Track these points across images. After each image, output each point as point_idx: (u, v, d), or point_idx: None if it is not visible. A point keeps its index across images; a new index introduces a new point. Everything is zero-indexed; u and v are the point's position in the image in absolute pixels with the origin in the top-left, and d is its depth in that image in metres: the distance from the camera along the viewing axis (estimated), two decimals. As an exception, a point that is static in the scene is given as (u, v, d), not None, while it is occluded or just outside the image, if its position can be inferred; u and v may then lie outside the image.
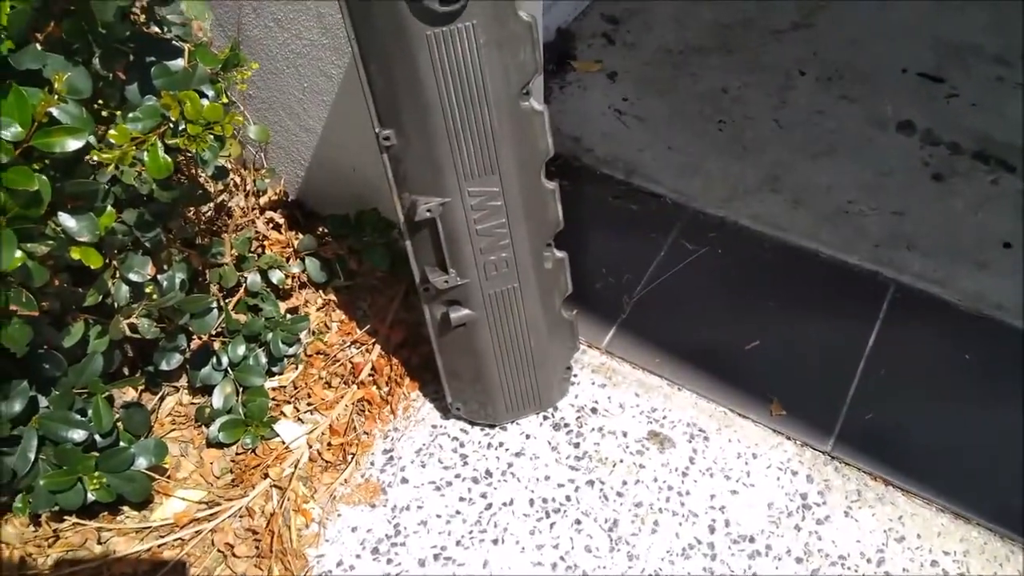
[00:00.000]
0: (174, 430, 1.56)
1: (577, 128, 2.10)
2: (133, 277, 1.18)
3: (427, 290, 1.37)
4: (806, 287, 1.74)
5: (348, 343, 1.68)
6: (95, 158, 0.95)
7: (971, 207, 1.85)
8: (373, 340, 1.67)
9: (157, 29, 1.11)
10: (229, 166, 1.84)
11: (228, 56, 1.09)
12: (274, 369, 1.60)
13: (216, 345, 1.54)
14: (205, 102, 1.02)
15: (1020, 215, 1.82)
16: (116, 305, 1.20)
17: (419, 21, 1.11)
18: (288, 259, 1.71)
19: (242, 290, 1.58)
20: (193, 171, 1.40)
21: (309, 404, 1.58)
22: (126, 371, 1.50)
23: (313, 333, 1.68)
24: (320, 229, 1.74)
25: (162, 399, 1.58)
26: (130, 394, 1.53)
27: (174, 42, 1.07)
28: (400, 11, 1.10)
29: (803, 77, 2.18)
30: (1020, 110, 2.04)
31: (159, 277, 1.28)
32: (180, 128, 0.97)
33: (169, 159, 0.98)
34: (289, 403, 1.58)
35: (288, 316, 1.63)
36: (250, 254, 1.60)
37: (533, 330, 1.45)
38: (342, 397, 1.59)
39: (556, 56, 2.27)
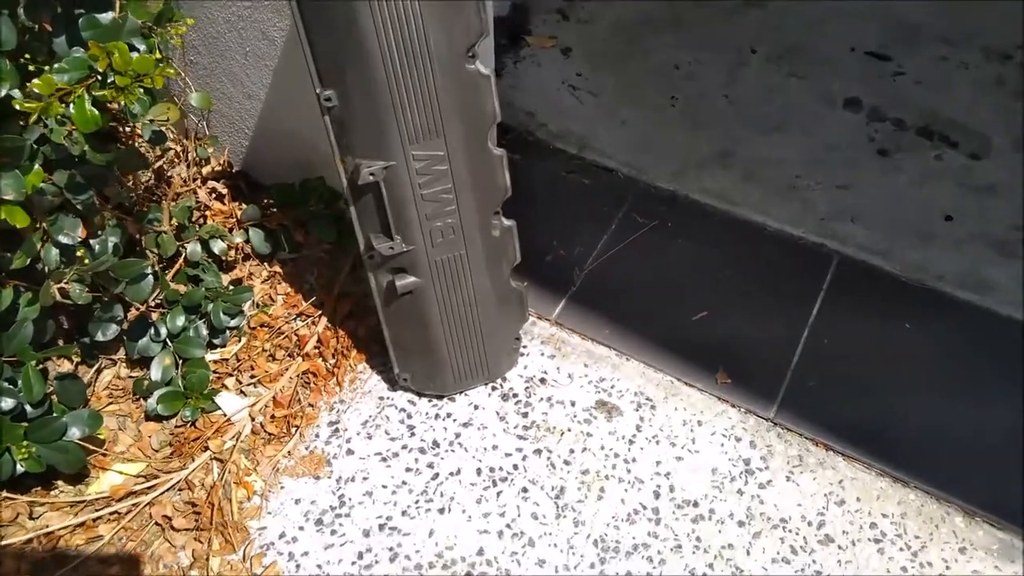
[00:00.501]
0: (111, 403, 1.52)
1: (531, 103, 2.08)
2: (63, 239, 1.14)
3: (372, 257, 1.35)
4: (753, 260, 1.75)
5: (293, 315, 1.65)
6: (20, 109, 0.91)
7: (915, 182, 1.89)
8: (319, 312, 1.64)
9: (86, -20, 1.07)
10: (169, 133, 1.79)
11: (161, 10, 1.05)
12: (216, 341, 1.57)
13: (155, 316, 1.50)
14: (135, 55, 0.98)
15: (961, 189, 1.86)
16: (46, 270, 1.15)
17: (359, -24, 1.09)
18: (231, 230, 1.67)
19: (181, 260, 1.54)
20: (131, 137, 1.35)
21: (252, 377, 1.55)
22: (61, 342, 1.45)
23: (257, 305, 1.65)
24: (265, 200, 1.70)
25: (99, 371, 1.54)
26: (65, 366, 1.48)
27: (102, -7, 1.03)
28: (340, -32, 1.07)
29: (754, 55, 2.19)
30: (963, 88, 2.08)
31: (92, 242, 1.23)
32: (109, 80, 0.94)
33: (96, 112, 0.94)
34: (231, 376, 1.55)
35: (231, 287, 1.59)
36: (190, 224, 1.56)
37: (481, 299, 1.44)
38: (286, 369, 1.56)
39: (510, 31, 2.25)
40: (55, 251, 1.15)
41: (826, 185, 1.88)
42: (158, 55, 1.05)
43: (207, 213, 1.67)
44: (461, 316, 1.44)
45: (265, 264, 1.72)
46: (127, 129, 1.36)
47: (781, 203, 1.85)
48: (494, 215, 1.39)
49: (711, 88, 2.11)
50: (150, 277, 1.32)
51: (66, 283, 1.18)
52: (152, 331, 1.48)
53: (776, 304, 1.67)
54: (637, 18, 2.31)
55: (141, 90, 0.95)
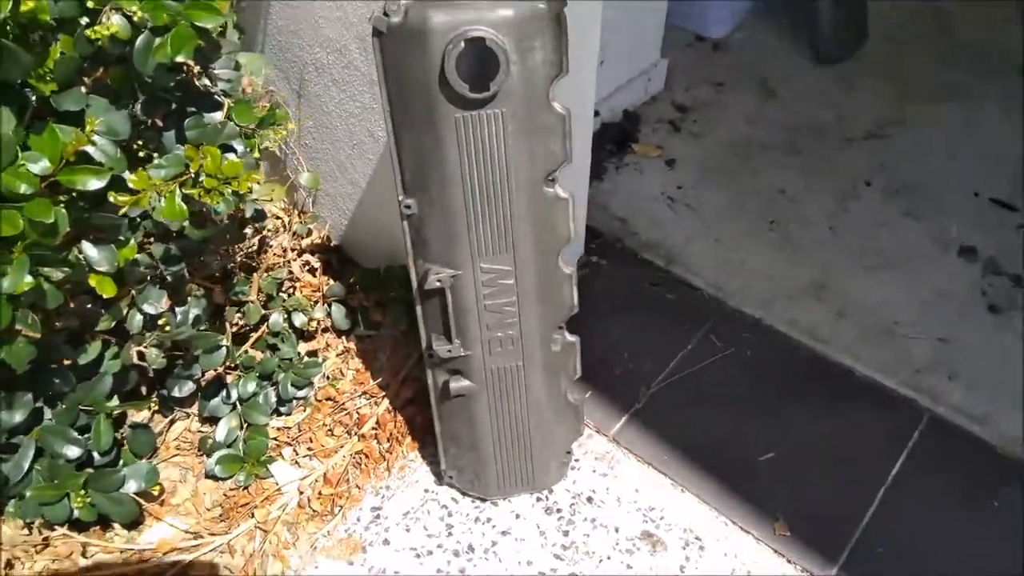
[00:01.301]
0: (178, 455, 1.60)
1: (625, 210, 2.09)
2: (147, 308, 1.24)
3: (431, 356, 1.38)
4: (835, 404, 1.66)
5: (359, 393, 1.70)
6: (113, 201, 1.01)
7: (1027, 346, 1.75)
8: (383, 394, 1.69)
9: (208, 81, 1.18)
10: (280, 203, 1.92)
11: (265, 115, 1.15)
12: (282, 409, 1.63)
13: (230, 378, 1.58)
14: (233, 156, 1.07)
15: (1081, 362, 1.70)
16: (130, 332, 1.25)
17: (450, 104, 1.14)
18: (316, 303, 1.76)
19: (264, 327, 1.63)
20: (236, 212, 1.46)
21: (309, 449, 1.61)
22: (144, 390, 1.56)
23: (327, 378, 1.71)
24: (352, 279, 1.78)
25: (172, 423, 1.63)
26: (143, 414, 1.59)
27: (217, 96, 1.13)
28: (432, 93, 1.13)
29: (868, 188, 2.12)
30: (1098, 249, 1.92)
31: (177, 309, 1.33)
32: (200, 179, 1.03)
33: (184, 207, 1.03)
34: (290, 445, 1.60)
35: (304, 359, 1.66)
36: (279, 295, 1.65)
37: (534, 410, 1.43)
38: (342, 446, 1.60)
39: (618, 137, 2.29)
40: (139, 317, 1.25)
41: (926, 335, 1.77)
42: (257, 154, 1.14)
43: (297, 284, 1.77)
44: (512, 424, 1.44)
45: (343, 338, 1.79)
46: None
47: (874, 348, 1.75)
48: (557, 330, 1.40)
49: (816, 216, 2.05)
50: (223, 349, 1.40)
51: (145, 347, 1.27)
52: (224, 393, 1.56)
53: (852, 457, 1.57)
54: (750, 139, 2.29)
55: (229, 191, 1.03)
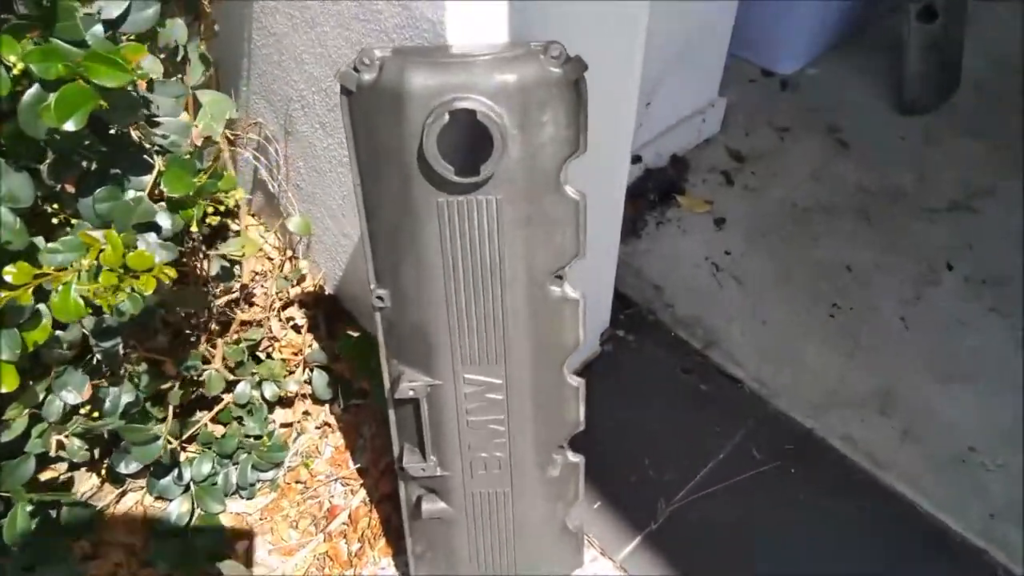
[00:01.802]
0: (123, 532, 1.41)
1: (662, 276, 1.83)
2: (66, 396, 1.03)
3: (403, 470, 1.15)
4: (890, 545, 1.38)
5: (334, 477, 1.48)
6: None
7: None
8: (361, 482, 1.47)
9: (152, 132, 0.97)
10: (267, 247, 1.72)
11: (204, 184, 0.92)
12: (243, 492, 1.42)
13: (183, 455, 1.38)
14: (152, 238, 0.85)
15: None
16: (47, 420, 1.05)
17: (430, 186, 0.91)
18: (296, 367, 1.54)
19: (229, 399, 1.42)
20: (193, 272, 1.26)
21: (270, 543, 1.39)
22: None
23: (300, 455, 1.50)
24: (338, 343, 1.57)
25: (123, 494, 1.44)
26: (87, 484, 1.40)
27: (149, 155, 0.91)
28: (410, 171, 0.90)
29: (949, 272, 1.82)
30: None
31: (115, 390, 1.12)
32: (98, 272, 0.81)
33: (82, 303, 0.81)
34: (247, 538, 1.39)
35: (275, 433, 1.45)
36: (250, 359, 1.44)
37: (522, 541, 1.19)
38: (305, 545, 1.39)
39: (662, 186, 2.02)
40: (58, 403, 1.04)
41: (1007, 469, 1.48)
42: (195, 227, 0.93)
43: (276, 345, 1.55)
44: (495, 556, 1.20)
45: (325, 407, 1.57)
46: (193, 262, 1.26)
47: (943, 480, 1.46)
48: (558, 449, 1.16)
49: (886, 303, 1.76)
50: (159, 442, 1.19)
51: (67, 436, 1.07)
52: (176, 473, 1.35)
53: (908, 621, 1.30)
54: (815, 199, 2.00)
55: (130, 289, 0.81)
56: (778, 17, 2.28)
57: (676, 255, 1.88)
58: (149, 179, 0.91)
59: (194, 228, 0.94)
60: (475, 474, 1.12)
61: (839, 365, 1.65)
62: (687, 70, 1.95)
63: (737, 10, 1.99)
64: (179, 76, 1.07)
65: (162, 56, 1.09)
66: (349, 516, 1.42)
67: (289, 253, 1.72)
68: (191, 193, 0.91)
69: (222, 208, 0.95)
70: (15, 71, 0.72)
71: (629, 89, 1.27)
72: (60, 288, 0.80)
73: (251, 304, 1.58)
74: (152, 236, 0.88)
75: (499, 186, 0.91)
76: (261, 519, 1.43)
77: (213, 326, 1.39)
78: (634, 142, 1.99)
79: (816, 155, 2.14)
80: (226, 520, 1.41)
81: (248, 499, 1.44)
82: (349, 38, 1.09)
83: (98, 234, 0.82)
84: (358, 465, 1.49)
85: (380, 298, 1.03)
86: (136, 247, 0.85)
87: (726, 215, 1.97)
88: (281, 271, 1.69)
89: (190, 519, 1.37)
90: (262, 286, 1.63)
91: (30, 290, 0.78)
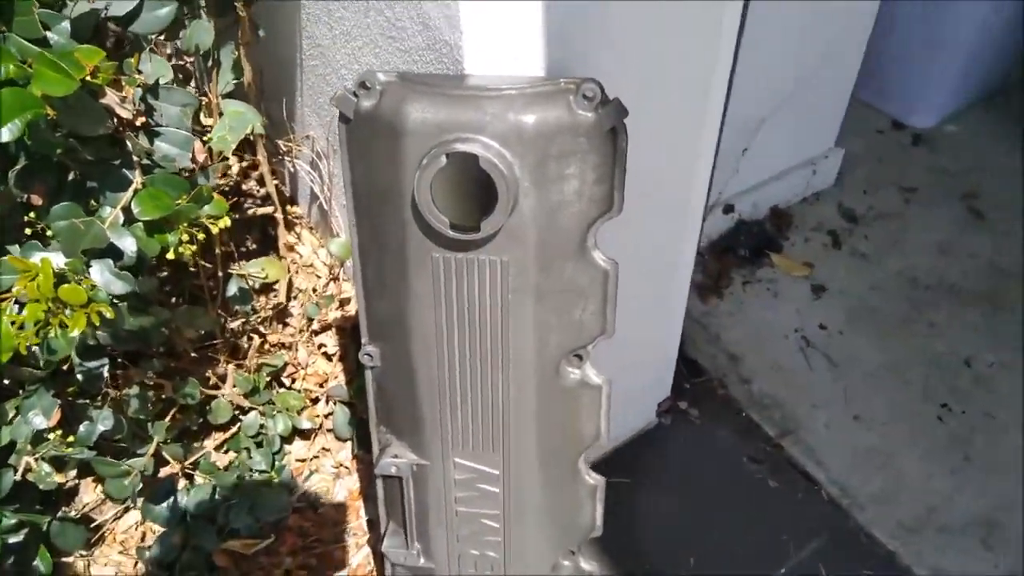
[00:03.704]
0: (118, 552, 1.33)
1: (742, 344, 1.60)
2: (33, 420, 0.95)
3: (385, 555, 1.01)
4: None
5: (342, 529, 1.35)
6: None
7: None
8: (368, 536, 1.33)
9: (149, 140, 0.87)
10: (318, 263, 1.63)
11: (184, 208, 0.80)
12: (241, 531, 1.31)
13: (182, 482, 1.28)
14: (105, 269, 0.75)
15: None
16: (15, 444, 0.97)
17: (424, 236, 0.76)
18: (320, 398, 1.43)
19: (237, 428, 1.32)
20: (203, 289, 1.16)
21: (257, 595, 1.28)
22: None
23: (307, 498, 1.38)
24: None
25: (127, 510, 1.37)
26: (93, 493, 1.34)
27: (129, 169, 0.81)
28: (404, 217, 0.76)
29: (1098, 381, 1.50)
30: None
31: (91, 414, 1.04)
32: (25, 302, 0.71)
33: (13, 334, 0.72)
34: (234, 584, 1.28)
35: (282, 469, 1.34)
36: (263, 389, 1.33)
37: (517, 653, 1.02)
38: (293, 606, 1.26)
39: (757, 240, 1.79)
40: (26, 427, 0.96)
41: None
42: (171, 254, 0.82)
43: (303, 373, 1.45)
44: (484, 664, 1.03)
45: (346, 444, 1.45)
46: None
47: (1062, 646, 1.18)
48: (569, 555, 0.98)
49: (1007, 411, 1.47)
50: (134, 477, 1.09)
51: (36, 460, 0.99)
52: (172, 500, 1.26)
53: None
54: (938, 276, 1.72)
55: (59, 325, 0.71)
56: (916, 62, 2.00)
57: (762, 322, 1.65)
58: (125, 197, 0.80)
59: (170, 255, 0.83)
60: (464, 570, 0.95)
61: (941, 479, 1.38)
62: (799, 112, 1.71)
63: (868, 46, 1.74)
64: (194, 84, 0.97)
65: (187, 61, 1.00)
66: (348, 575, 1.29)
67: (334, 274, 1.62)
68: (167, 216, 0.80)
69: (200, 236, 0.84)
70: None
71: (706, 126, 1.06)
72: (-9, 316, 0.70)
73: (285, 324, 1.49)
74: (108, 263, 0.78)
75: (506, 246, 0.75)
76: (256, 565, 1.32)
77: (234, 347, 1.30)
78: (728, 189, 1.78)
79: (945, 224, 1.85)
80: (219, 559, 1.30)
81: (247, 538, 1.33)
82: (379, 56, 0.96)
83: (37, 258, 0.72)
84: (368, 517, 1.36)
85: (369, 355, 0.89)
86: (86, 275, 0.75)
87: (827, 283, 1.72)
88: (324, 291, 1.59)
89: (181, 552, 1.28)
90: (302, 305, 1.54)
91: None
